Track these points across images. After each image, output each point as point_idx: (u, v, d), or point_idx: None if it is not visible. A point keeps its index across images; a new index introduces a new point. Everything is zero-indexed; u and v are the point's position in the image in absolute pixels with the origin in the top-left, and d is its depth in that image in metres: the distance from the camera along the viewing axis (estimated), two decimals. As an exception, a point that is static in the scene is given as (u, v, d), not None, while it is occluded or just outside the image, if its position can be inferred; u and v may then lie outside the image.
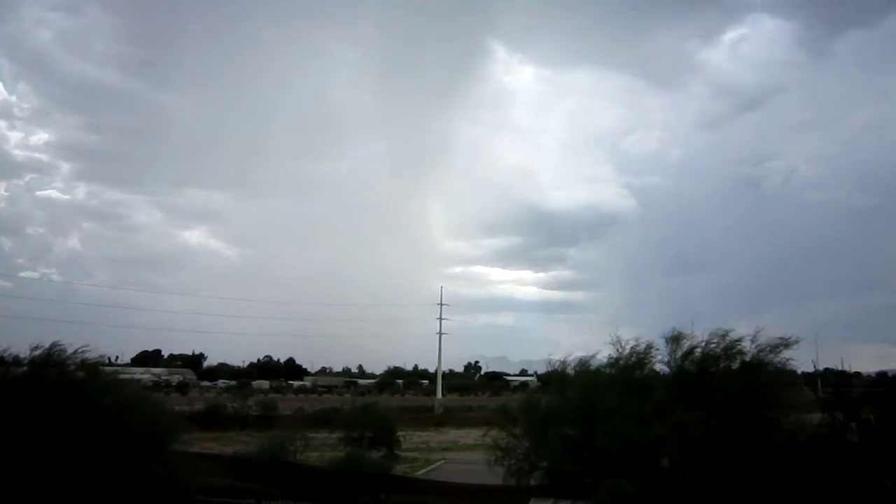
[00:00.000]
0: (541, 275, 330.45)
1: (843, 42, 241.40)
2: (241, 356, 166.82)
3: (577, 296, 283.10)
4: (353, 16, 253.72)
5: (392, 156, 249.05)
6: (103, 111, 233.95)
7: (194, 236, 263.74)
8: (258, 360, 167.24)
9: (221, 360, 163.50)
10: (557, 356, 13.26)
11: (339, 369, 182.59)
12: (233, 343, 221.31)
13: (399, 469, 25.70)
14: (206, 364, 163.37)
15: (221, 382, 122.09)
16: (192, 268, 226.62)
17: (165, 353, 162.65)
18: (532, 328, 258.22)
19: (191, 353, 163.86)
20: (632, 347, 11.99)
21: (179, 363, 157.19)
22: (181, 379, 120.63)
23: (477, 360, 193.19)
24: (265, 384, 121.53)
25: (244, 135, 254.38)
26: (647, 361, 11.90)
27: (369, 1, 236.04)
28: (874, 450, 10.87)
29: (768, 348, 11.03)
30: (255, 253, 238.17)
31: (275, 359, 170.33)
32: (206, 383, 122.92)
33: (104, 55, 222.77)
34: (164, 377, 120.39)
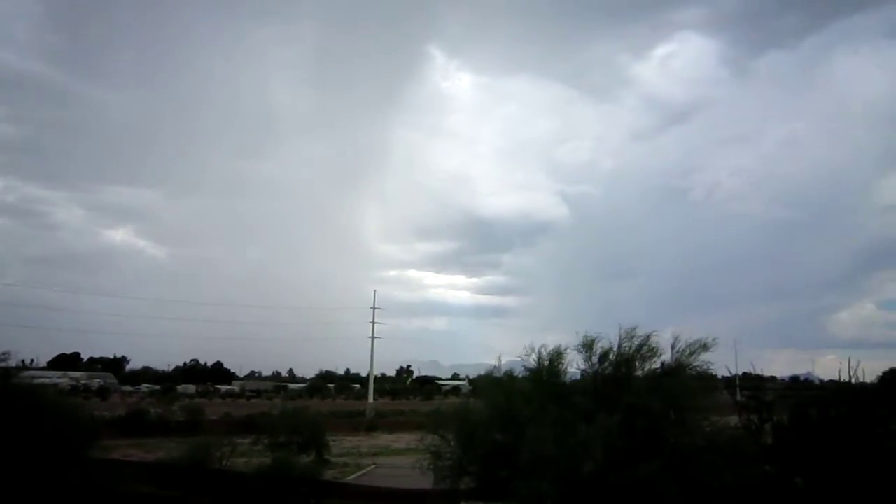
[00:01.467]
0: (474, 280, 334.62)
1: (763, 62, 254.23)
2: (166, 360, 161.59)
3: (509, 301, 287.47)
4: (292, 15, 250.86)
5: (329, 157, 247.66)
6: (24, 102, 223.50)
7: (119, 235, 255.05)
8: (184, 363, 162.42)
9: (145, 364, 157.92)
10: (488, 361, 13.42)
11: (269, 373, 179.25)
12: (158, 346, 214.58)
13: (329, 474, 25.39)
14: (128, 368, 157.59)
15: (144, 387, 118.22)
16: (115, 268, 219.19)
17: (85, 356, 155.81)
18: (465, 333, 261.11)
19: (112, 357, 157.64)
20: (546, 353, 12.21)
21: (100, 366, 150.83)
22: (101, 383, 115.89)
23: (409, 364, 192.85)
24: (191, 388, 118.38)
25: (177, 131, 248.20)
26: (560, 367, 12.14)
27: (309, 1, 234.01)
28: (786, 450, 11.44)
29: (686, 351, 11.43)
30: (184, 253, 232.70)
31: (202, 362, 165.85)
32: (128, 388, 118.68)
33: (27, 43, 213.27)
34: (83, 381, 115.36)
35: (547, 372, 12.09)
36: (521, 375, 12.67)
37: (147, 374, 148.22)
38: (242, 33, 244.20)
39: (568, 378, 12.54)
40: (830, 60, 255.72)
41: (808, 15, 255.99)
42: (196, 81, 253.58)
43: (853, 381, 12.48)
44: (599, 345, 11.87)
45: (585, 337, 12.00)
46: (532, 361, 12.34)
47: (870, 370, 12.78)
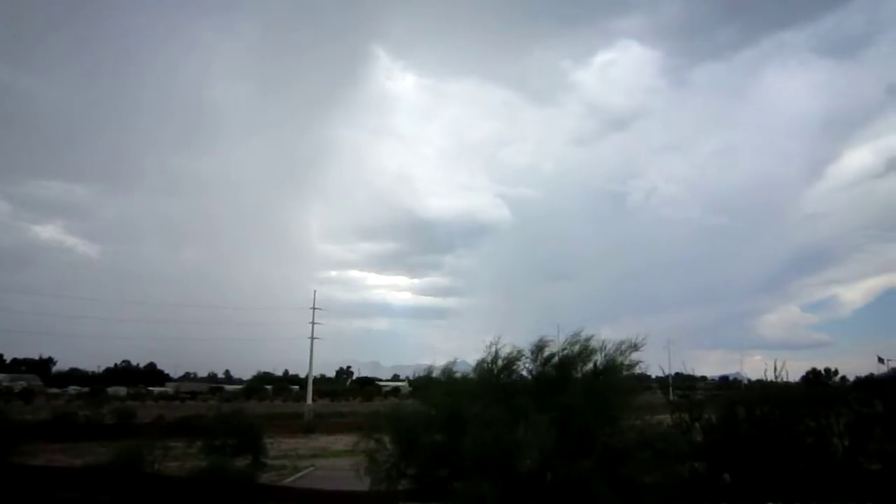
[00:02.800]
0: (416, 280, 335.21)
1: (700, 72, 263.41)
2: (96, 361, 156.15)
3: (450, 302, 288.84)
4: (234, 9, 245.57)
5: (270, 155, 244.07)
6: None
7: (48, 231, 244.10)
8: (115, 364, 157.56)
9: (73, 365, 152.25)
10: (429, 361, 13.41)
11: (205, 374, 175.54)
12: (87, 346, 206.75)
13: (265, 477, 25.00)
14: (55, 369, 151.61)
15: (72, 389, 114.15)
16: (43, 264, 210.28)
17: (8, 357, 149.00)
18: (406, 333, 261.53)
19: (38, 358, 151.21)
20: (502, 353, 12.32)
21: (24, 368, 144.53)
22: (25, 385, 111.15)
23: (349, 364, 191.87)
24: (122, 390, 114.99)
25: (111, 125, 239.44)
26: (514, 367, 12.29)
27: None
28: (714, 447, 11.87)
29: (618, 351, 11.74)
30: (117, 250, 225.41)
31: (134, 363, 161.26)
32: (54, 390, 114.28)
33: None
34: (5, 383, 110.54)
35: (498, 371, 12.19)
36: (467, 375, 12.72)
37: (75, 375, 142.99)
38: (181, 27, 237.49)
39: (513, 378, 12.67)
40: (762, 73, 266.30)
41: (742, 29, 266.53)
42: (133, 75, 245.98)
43: (778, 380, 13.08)
44: (548, 348, 12.08)
45: (540, 339, 12.21)
46: (488, 359, 12.39)
47: (794, 370, 13.41)
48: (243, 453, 31.08)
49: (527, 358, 12.26)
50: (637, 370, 12.00)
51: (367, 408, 63.84)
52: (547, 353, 12.12)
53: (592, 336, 12.08)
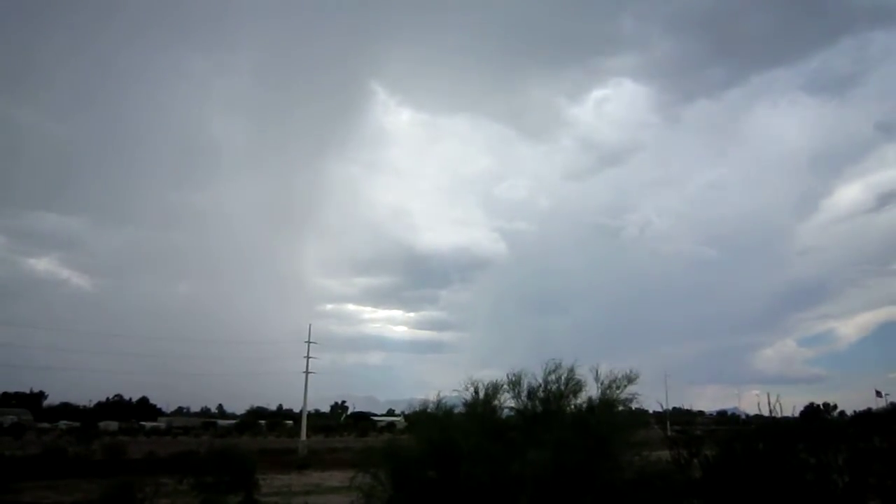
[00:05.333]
0: (412, 314, 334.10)
1: (691, 109, 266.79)
2: (87, 395, 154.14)
3: (446, 336, 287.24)
4: (231, 45, 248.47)
5: (267, 189, 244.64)
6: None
7: (42, 263, 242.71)
8: (107, 399, 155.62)
9: (64, 399, 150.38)
10: (424, 396, 13.31)
11: (198, 409, 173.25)
12: (79, 380, 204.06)
13: (258, 514, 24.57)
14: (46, 403, 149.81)
15: (63, 423, 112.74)
16: (37, 297, 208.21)
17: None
18: (401, 367, 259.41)
19: (28, 392, 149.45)
20: (483, 388, 12.23)
21: (14, 402, 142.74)
22: (15, 420, 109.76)
23: (344, 399, 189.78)
24: (114, 425, 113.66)
25: (107, 158, 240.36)
26: (495, 402, 12.18)
27: (249, 30, 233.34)
28: (713, 483, 11.71)
29: (612, 385, 11.62)
30: (111, 284, 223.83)
31: (126, 398, 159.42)
32: (45, 424, 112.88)
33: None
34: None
35: (482, 406, 12.08)
36: (457, 410, 12.60)
37: (66, 409, 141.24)
38: (179, 62, 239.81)
39: (503, 414, 12.55)
40: (752, 111, 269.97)
41: (732, 67, 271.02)
42: (129, 110, 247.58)
43: (773, 415, 12.99)
44: (526, 381, 11.98)
45: (512, 374, 12.13)
46: (469, 395, 12.31)
47: (792, 404, 13.35)
48: (236, 490, 30.53)
49: (507, 391, 12.16)
50: (634, 405, 11.89)
51: (361, 443, 63.07)
52: (528, 386, 12.02)
53: (573, 367, 11.94)
